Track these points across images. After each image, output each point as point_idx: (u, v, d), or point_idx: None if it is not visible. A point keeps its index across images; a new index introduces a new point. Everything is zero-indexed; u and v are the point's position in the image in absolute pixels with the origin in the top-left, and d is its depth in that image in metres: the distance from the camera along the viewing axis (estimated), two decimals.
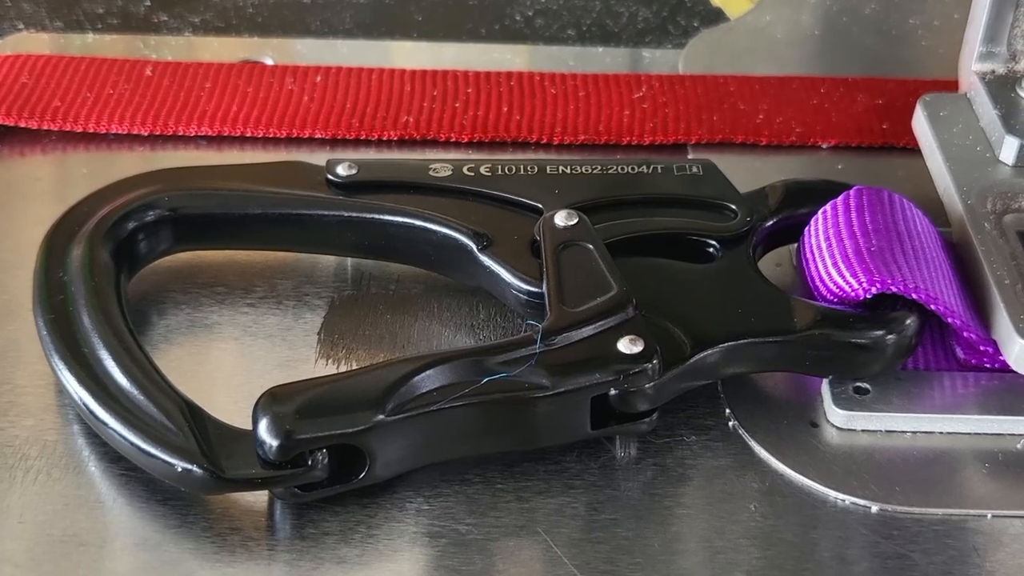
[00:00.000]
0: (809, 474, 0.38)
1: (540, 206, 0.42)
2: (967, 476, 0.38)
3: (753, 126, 0.51)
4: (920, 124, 0.48)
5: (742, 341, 0.38)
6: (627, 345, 0.37)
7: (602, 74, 0.54)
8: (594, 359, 0.37)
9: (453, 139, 0.51)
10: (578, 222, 0.41)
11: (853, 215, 0.41)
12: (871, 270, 0.39)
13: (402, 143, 0.51)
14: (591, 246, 0.40)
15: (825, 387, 0.40)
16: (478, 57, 0.57)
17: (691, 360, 0.38)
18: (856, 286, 0.39)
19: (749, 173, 0.48)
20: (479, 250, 0.41)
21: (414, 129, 0.51)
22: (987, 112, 0.46)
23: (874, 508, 0.37)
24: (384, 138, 0.51)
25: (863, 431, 0.39)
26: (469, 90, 0.53)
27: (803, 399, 0.40)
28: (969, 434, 0.39)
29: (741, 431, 0.39)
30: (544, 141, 0.51)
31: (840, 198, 0.42)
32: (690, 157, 0.50)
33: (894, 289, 0.39)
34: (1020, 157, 0.45)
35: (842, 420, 0.39)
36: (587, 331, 0.37)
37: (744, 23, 0.59)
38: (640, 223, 0.42)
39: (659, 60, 0.57)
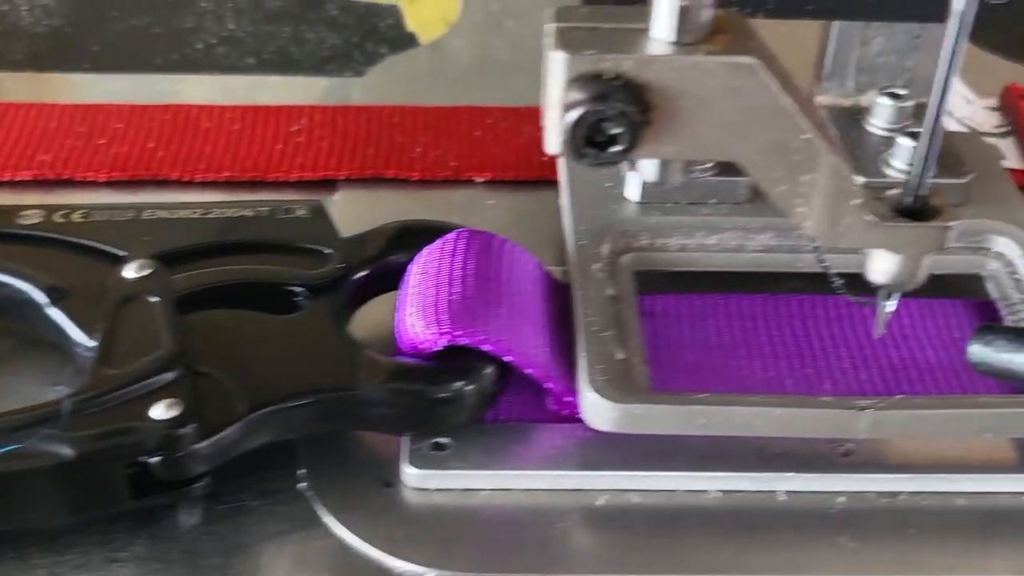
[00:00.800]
0: (370, 539, 0.36)
1: (125, 254, 0.40)
2: (539, 537, 0.36)
3: (407, 160, 0.50)
4: (562, 159, 0.46)
5: (302, 400, 0.36)
6: (164, 409, 0.35)
7: (262, 106, 0.52)
8: (125, 425, 0.34)
9: (91, 178, 0.49)
10: (150, 274, 0.39)
11: (446, 261, 0.39)
12: (443, 320, 0.37)
13: (37, 184, 0.49)
14: (156, 300, 0.38)
15: (404, 444, 0.38)
16: (149, 88, 0.54)
17: (243, 421, 0.35)
18: (427, 337, 0.37)
19: (394, 211, 0.46)
20: (49, 303, 0.39)
21: (49, 168, 0.49)
22: None
23: (430, 574, 0.35)
24: (17, 179, 0.48)
25: (439, 490, 0.37)
26: (119, 125, 0.51)
27: (383, 458, 0.38)
28: (547, 491, 0.37)
29: (310, 494, 0.37)
30: (186, 179, 0.49)
31: (437, 243, 0.40)
32: (336, 196, 0.48)
33: (464, 341, 0.37)
34: (644, 194, 0.43)
35: (416, 479, 0.37)
36: (125, 394, 0.35)
37: (432, 49, 0.57)
38: (228, 272, 0.40)
39: (335, 89, 0.55)
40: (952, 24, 0.29)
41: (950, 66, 0.29)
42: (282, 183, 0.49)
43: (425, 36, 0.58)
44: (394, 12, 0.59)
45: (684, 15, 0.29)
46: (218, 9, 0.59)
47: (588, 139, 0.29)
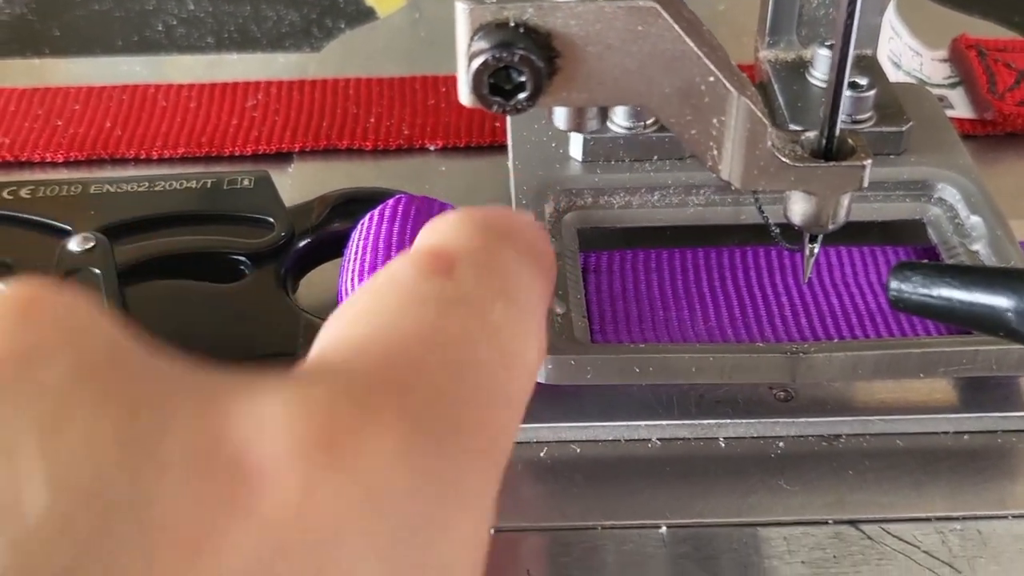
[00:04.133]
0: None
1: (70, 228, 0.41)
2: None
3: (361, 130, 0.50)
4: (509, 122, 0.46)
5: (241, 365, 0.36)
6: None
7: (218, 83, 0.52)
8: None
9: (49, 159, 0.49)
10: (93, 246, 0.39)
11: (385, 226, 0.40)
12: None
13: None
14: (99, 271, 0.38)
15: None
16: (110, 71, 0.55)
17: None
18: None
19: (347, 181, 0.47)
20: None
21: (7, 151, 0.49)
22: None
23: None
24: None
25: None
26: (76, 107, 0.51)
27: None
28: None
29: None
30: (143, 156, 0.49)
31: (378, 209, 0.40)
32: (291, 168, 0.49)
33: None
34: (587, 152, 0.43)
35: None
36: None
37: (389, 22, 0.57)
38: (171, 243, 0.41)
39: (293, 64, 0.55)
40: None
41: (854, 3, 0.30)
42: (237, 157, 0.49)
43: (384, 10, 0.58)
44: None
45: None
46: None
47: (496, 87, 0.29)
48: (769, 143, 0.31)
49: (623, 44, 0.29)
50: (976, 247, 0.41)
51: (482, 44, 0.29)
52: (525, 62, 0.29)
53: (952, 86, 0.51)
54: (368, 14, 0.58)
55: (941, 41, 0.53)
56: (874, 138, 0.43)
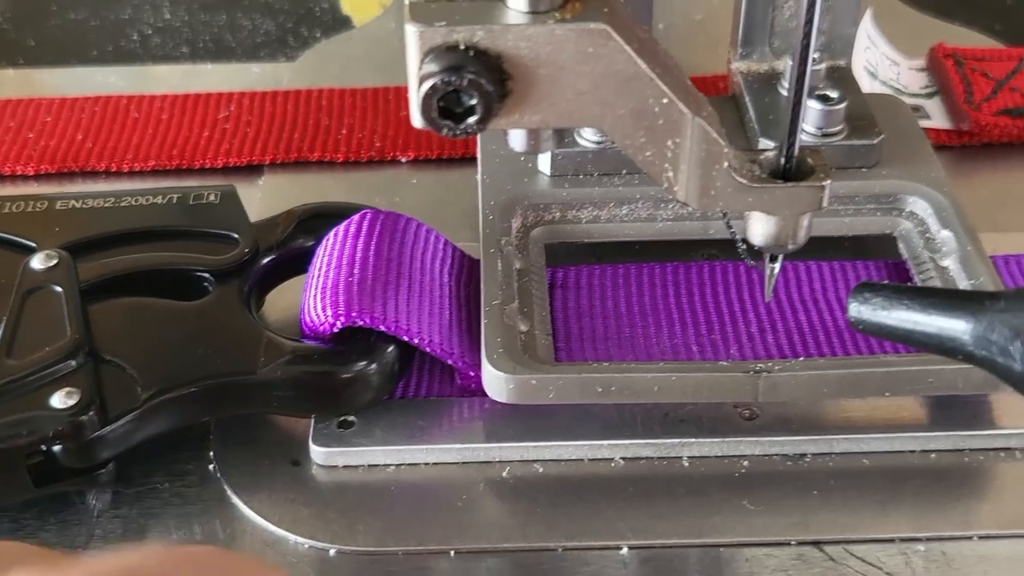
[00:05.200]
0: (275, 517, 0.36)
1: (34, 245, 0.40)
2: (442, 510, 0.36)
3: (332, 142, 0.50)
4: (480, 135, 0.46)
5: (203, 385, 0.36)
6: (62, 399, 0.35)
7: (191, 94, 0.52)
8: (21, 416, 0.35)
9: (19, 172, 0.49)
10: (56, 264, 0.39)
11: (349, 243, 0.40)
12: (339, 303, 0.37)
13: None
14: (61, 289, 0.38)
15: (312, 423, 0.38)
16: (84, 81, 0.55)
17: (144, 407, 0.36)
18: (324, 319, 0.37)
19: (318, 193, 0.47)
20: None
21: None
22: None
23: (332, 551, 0.35)
24: None
25: (344, 467, 0.37)
26: (48, 119, 0.51)
27: (293, 437, 0.38)
28: (452, 464, 0.37)
29: (219, 474, 0.37)
30: (114, 169, 0.49)
31: (343, 225, 0.40)
32: (261, 181, 0.49)
33: (361, 322, 0.37)
34: (555, 167, 0.43)
35: (322, 457, 0.37)
36: (25, 384, 0.35)
37: (365, 32, 0.57)
38: (135, 260, 0.40)
39: (268, 74, 0.55)
40: None
41: (811, 23, 0.29)
42: (208, 170, 0.49)
43: (360, 19, 0.58)
44: None
45: None
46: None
47: (446, 111, 0.29)
48: (726, 164, 0.31)
49: (575, 66, 0.29)
50: (946, 262, 0.40)
51: (432, 67, 0.28)
52: (474, 86, 0.28)
53: (929, 96, 0.50)
54: (344, 23, 0.58)
55: (921, 49, 0.53)
56: (845, 151, 0.43)
